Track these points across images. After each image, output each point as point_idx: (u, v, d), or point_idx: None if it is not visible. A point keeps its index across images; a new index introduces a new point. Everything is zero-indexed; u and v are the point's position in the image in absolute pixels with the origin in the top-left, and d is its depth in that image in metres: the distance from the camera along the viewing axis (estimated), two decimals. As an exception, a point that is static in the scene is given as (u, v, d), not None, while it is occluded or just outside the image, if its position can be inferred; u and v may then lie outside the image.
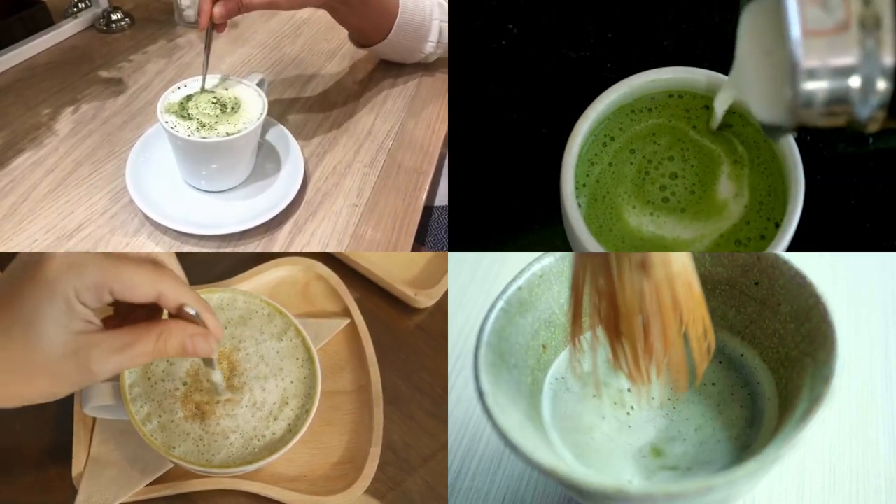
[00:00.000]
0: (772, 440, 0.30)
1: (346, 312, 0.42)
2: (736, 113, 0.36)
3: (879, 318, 0.39)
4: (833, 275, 0.41)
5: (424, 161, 0.48)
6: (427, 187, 0.46)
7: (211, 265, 0.43)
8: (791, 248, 0.38)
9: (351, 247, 0.42)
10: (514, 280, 0.33)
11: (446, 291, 0.44)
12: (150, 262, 0.28)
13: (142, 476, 0.34)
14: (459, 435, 0.38)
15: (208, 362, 0.32)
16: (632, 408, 0.33)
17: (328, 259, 0.44)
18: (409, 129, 0.51)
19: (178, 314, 0.29)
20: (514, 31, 0.41)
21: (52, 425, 0.36)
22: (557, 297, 0.35)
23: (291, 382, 0.36)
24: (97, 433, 0.35)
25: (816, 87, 0.25)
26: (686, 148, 0.36)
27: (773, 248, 0.34)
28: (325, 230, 0.43)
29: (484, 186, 0.41)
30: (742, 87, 0.31)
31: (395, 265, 0.45)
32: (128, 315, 0.30)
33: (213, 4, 0.41)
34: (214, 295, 0.38)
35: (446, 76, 0.56)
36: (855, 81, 0.25)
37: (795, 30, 0.24)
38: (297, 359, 0.37)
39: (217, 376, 0.33)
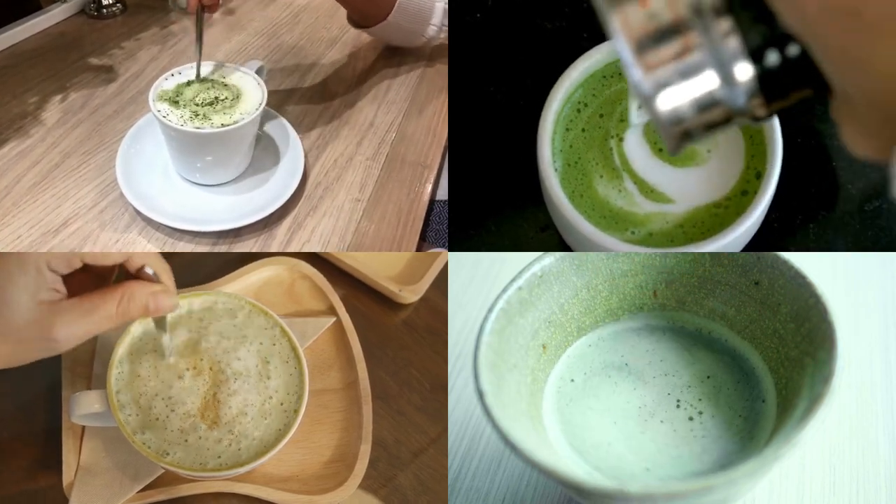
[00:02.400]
0: (772, 440, 0.30)
1: (331, 311, 0.42)
2: None
3: (879, 318, 0.40)
4: (833, 275, 0.41)
5: (429, 154, 0.47)
6: (432, 181, 0.46)
7: (195, 267, 0.43)
8: (791, 248, 0.38)
9: (354, 244, 0.41)
10: (514, 280, 0.33)
11: (430, 285, 0.44)
12: None
13: (133, 482, 0.34)
14: (459, 435, 0.38)
15: (160, 325, 0.33)
16: (637, 407, 0.33)
17: (312, 257, 0.44)
18: (413, 121, 0.50)
19: (138, 275, 0.30)
20: (488, 2, 0.41)
21: (41, 435, 0.36)
22: (557, 297, 0.34)
23: (272, 362, 0.36)
24: (86, 441, 0.35)
25: (676, 103, 0.22)
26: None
27: (757, 201, 0.33)
28: (326, 226, 0.42)
29: (484, 183, 0.40)
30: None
31: (379, 262, 0.45)
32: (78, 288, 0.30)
33: None
34: (198, 298, 0.37)
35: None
36: (712, 81, 0.22)
37: (625, 50, 0.21)
38: (284, 358, 0.36)
39: (166, 339, 0.34)
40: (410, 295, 0.44)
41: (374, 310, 0.44)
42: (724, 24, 0.21)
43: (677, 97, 0.22)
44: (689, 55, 0.22)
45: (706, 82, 0.22)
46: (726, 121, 0.23)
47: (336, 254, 0.44)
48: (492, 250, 0.39)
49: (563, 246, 0.39)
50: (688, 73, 0.22)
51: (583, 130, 0.36)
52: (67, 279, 0.29)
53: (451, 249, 0.40)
